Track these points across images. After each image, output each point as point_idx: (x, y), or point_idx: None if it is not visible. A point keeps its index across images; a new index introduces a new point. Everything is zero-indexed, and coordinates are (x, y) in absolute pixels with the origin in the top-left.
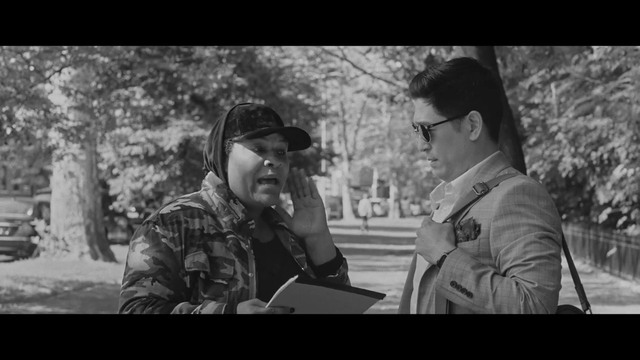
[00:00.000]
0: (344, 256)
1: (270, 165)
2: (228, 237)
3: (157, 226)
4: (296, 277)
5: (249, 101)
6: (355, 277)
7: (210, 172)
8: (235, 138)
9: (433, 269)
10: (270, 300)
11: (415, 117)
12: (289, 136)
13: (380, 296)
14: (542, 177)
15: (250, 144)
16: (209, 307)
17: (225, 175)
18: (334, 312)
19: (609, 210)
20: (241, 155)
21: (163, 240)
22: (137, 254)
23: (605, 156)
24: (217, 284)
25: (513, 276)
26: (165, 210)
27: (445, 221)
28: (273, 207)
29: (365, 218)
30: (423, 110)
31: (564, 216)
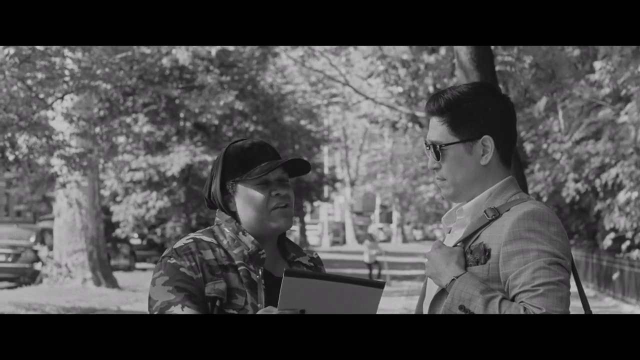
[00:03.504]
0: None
1: (277, 194)
2: (239, 268)
3: (172, 258)
4: (285, 271)
5: (245, 134)
6: None
7: (218, 209)
8: (238, 179)
9: (443, 292)
10: (278, 304)
11: (429, 136)
12: (288, 166)
13: (381, 285)
14: (544, 199)
15: (253, 182)
16: None
17: (232, 215)
18: (344, 311)
19: (612, 235)
20: (247, 194)
21: (181, 270)
22: (158, 287)
23: (610, 183)
24: (229, 314)
25: (521, 301)
26: (178, 244)
27: (455, 245)
28: (289, 237)
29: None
30: (437, 129)
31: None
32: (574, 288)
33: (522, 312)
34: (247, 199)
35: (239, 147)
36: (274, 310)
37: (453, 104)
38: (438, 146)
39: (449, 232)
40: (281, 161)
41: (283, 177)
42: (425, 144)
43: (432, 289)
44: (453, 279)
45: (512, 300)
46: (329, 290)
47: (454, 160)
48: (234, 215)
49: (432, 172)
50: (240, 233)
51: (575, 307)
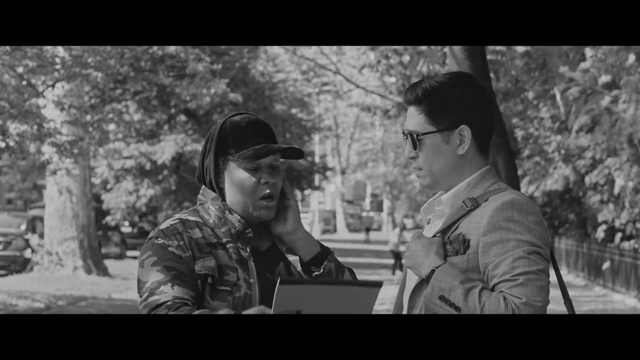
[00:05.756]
0: (331, 250)
1: (266, 183)
2: (228, 245)
3: (159, 239)
4: (279, 279)
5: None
6: None
7: (204, 186)
8: (229, 157)
9: (422, 283)
10: (272, 308)
11: (406, 125)
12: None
13: (377, 284)
14: (536, 194)
15: (244, 163)
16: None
17: (220, 190)
18: (340, 311)
19: (604, 227)
20: (236, 175)
21: (170, 249)
22: (147, 268)
23: (602, 181)
24: (221, 290)
25: (501, 291)
26: (164, 225)
27: (434, 236)
28: None
29: (367, 230)
30: (414, 119)
31: (559, 230)
32: (553, 277)
33: (502, 301)
34: (235, 181)
35: (235, 124)
36: (269, 311)
37: (430, 93)
38: (415, 135)
39: (428, 223)
40: (274, 147)
41: (274, 164)
42: (403, 133)
43: (412, 280)
44: (433, 270)
45: (492, 290)
46: (324, 294)
47: (431, 149)
48: (220, 191)
49: (409, 161)
50: (227, 212)
51: (555, 296)
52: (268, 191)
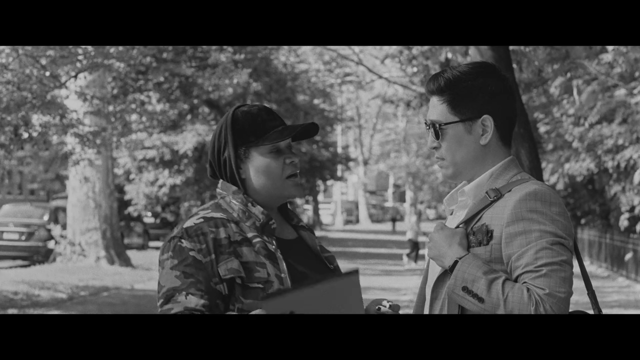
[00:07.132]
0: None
1: (292, 162)
2: (254, 240)
3: (183, 240)
4: (260, 297)
5: (244, 104)
6: (371, 281)
7: (222, 180)
8: (251, 145)
9: (445, 274)
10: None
11: (429, 115)
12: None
13: (354, 271)
14: (558, 185)
15: (267, 148)
16: None
17: (242, 182)
18: (332, 309)
19: (627, 215)
20: (261, 162)
21: (191, 253)
22: (167, 270)
23: (623, 165)
24: (253, 288)
25: (524, 282)
26: (188, 223)
27: (458, 226)
28: (290, 206)
29: (393, 221)
30: (437, 109)
31: (582, 221)
32: (576, 268)
33: (525, 292)
34: (260, 167)
35: (247, 112)
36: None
37: (453, 83)
38: (437, 125)
39: (451, 214)
40: (296, 125)
41: (291, 144)
42: (425, 123)
43: (435, 271)
44: (456, 261)
45: (515, 281)
46: (310, 297)
47: (453, 139)
48: (242, 182)
49: (432, 152)
50: (249, 204)
51: (578, 287)
52: (293, 168)
